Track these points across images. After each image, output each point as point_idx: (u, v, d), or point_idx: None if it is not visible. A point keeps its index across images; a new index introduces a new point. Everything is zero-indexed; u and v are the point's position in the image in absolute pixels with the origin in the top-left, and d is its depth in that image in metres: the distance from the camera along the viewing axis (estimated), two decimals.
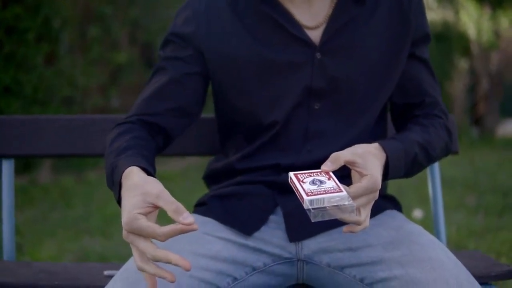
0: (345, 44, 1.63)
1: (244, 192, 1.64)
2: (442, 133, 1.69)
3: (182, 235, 1.54)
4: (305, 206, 1.29)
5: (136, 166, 1.36)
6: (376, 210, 1.62)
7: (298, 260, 1.59)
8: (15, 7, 6.37)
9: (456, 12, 12.51)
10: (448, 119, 1.75)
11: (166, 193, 1.24)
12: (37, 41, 6.69)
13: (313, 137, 1.65)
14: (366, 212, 1.40)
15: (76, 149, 2.05)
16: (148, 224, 1.22)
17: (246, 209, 1.62)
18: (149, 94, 1.67)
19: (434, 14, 11.98)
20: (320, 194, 1.29)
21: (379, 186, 1.40)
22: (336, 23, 1.62)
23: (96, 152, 2.04)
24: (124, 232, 1.25)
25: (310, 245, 1.58)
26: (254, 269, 1.56)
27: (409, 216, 4.51)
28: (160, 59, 1.71)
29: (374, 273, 1.48)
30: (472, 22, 12.41)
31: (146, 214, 1.25)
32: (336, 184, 1.33)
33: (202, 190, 1.76)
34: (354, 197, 1.36)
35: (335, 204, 1.29)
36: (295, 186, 1.33)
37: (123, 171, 1.35)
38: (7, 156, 2.03)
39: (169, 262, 1.21)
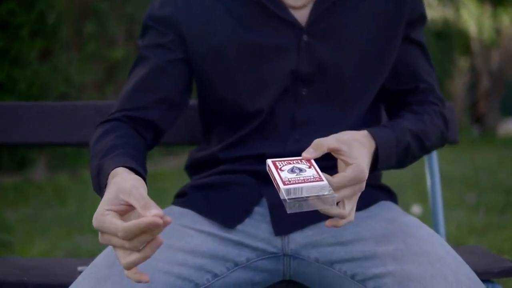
0: (334, 25, 1.53)
1: (227, 182, 1.54)
2: (438, 121, 1.59)
3: None
4: (281, 196, 1.19)
5: (123, 166, 1.25)
6: (369, 201, 1.53)
7: (284, 255, 1.48)
8: (9, 2, 6.29)
9: (457, 10, 12.45)
10: (445, 107, 1.65)
11: (138, 189, 1.12)
12: (32, 37, 6.61)
13: (300, 126, 1.55)
14: (351, 205, 1.30)
15: (55, 138, 1.94)
16: (111, 220, 1.09)
17: (228, 200, 1.52)
18: (132, 87, 1.55)
19: (434, 11, 11.92)
20: (299, 183, 1.19)
21: (366, 177, 1.29)
22: (324, 2, 1.52)
23: (76, 140, 1.93)
24: (99, 234, 1.13)
25: (297, 239, 1.48)
26: (236, 264, 1.45)
27: (407, 212, 4.43)
28: (140, 49, 1.59)
29: (366, 269, 1.37)
30: (473, 19, 12.35)
31: (120, 213, 1.13)
32: (317, 172, 1.22)
33: None
34: (338, 188, 1.25)
35: (315, 194, 1.19)
36: (272, 174, 1.23)
37: (109, 173, 1.24)
38: None
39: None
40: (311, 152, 1.27)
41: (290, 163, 1.25)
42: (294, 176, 1.21)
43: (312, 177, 1.21)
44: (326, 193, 1.19)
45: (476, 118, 12.68)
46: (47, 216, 5.14)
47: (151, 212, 1.06)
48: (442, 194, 2.08)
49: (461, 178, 6.55)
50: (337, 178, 1.26)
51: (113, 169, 1.24)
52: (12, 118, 1.95)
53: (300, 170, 1.23)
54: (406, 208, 4.62)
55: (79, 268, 1.68)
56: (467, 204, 5.28)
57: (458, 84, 12.13)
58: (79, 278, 1.34)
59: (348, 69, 1.54)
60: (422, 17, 1.62)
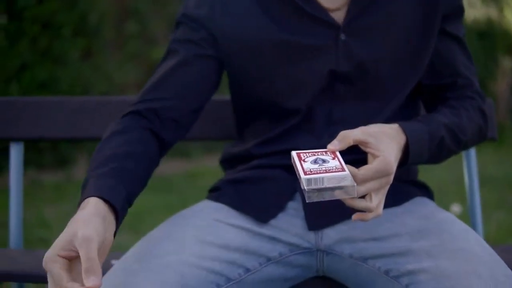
0: (371, 23, 1.51)
1: (261, 177, 1.52)
2: (475, 116, 1.56)
3: (191, 221, 1.44)
4: (301, 186, 1.18)
5: (98, 197, 1.22)
6: (404, 197, 1.51)
7: (317, 250, 1.46)
8: (51, 2, 6.35)
9: (500, 10, 12.29)
10: (485, 102, 1.61)
11: (90, 245, 1.10)
12: (74, 37, 6.66)
13: (337, 123, 1.53)
14: (378, 198, 1.27)
15: (89, 132, 1.95)
16: (58, 272, 1.11)
17: (262, 194, 1.50)
18: (158, 78, 1.54)
19: (477, 11, 11.78)
20: (320, 173, 1.18)
21: (393, 169, 1.27)
22: (360, 2, 1.50)
23: None
24: (48, 274, 1.14)
25: (331, 234, 1.46)
26: (269, 259, 1.43)
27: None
28: (171, 42, 1.59)
29: (400, 265, 1.35)
30: None
31: (70, 258, 1.14)
32: (340, 163, 1.21)
33: None
34: (363, 180, 1.24)
35: (335, 184, 1.18)
36: (296, 165, 1.23)
37: (83, 200, 1.22)
38: (16, 139, 1.93)
39: None
40: (335, 144, 1.27)
41: (314, 155, 1.25)
42: (316, 166, 1.20)
43: (334, 167, 1.20)
44: (347, 183, 1.18)
45: None
46: None
47: (89, 282, 1.07)
48: (483, 195, 2.05)
49: (504, 178, 6.45)
50: (363, 170, 1.24)
51: (87, 197, 1.22)
52: (50, 113, 1.96)
53: (323, 161, 1.22)
54: (446, 208, 4.55)
55: (112, 262, 1.68)
56: (509, 205, 5.20)
57: (502, 85, 11.97)
58: (110, 271, 1.34)
59: (386, 66, 1.52)
60: (459, 9, 1.57)
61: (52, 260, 1.12)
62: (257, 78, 1.54)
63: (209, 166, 7.41)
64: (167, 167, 6.35)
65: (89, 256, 1.09)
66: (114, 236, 1.23)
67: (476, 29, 11.52)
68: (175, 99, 1.52)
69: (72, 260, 1.14)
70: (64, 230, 1.15)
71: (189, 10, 1.56)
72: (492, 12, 12.20)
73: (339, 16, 1.50)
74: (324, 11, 1.49)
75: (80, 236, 1.11)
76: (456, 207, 4.68)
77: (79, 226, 1.14)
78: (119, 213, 1.24)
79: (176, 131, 1.53)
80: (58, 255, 1.12)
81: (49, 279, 1.13)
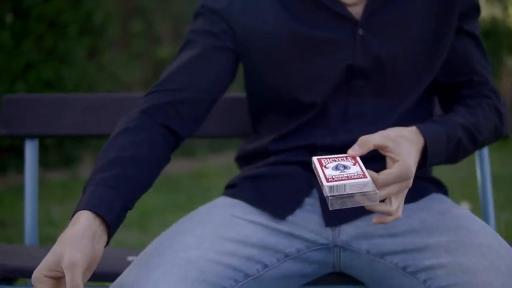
0: (389, 19, 1.51)
1: (278, 173, 1.53)
2: (491, 114, 1.56)
3: (209, 217, 1.45)
4: (324, 193, 1.19)
5: (91, 211, 1.23)
6: (420, 193, 1.51)
7: (334, 247, 1.47)
8: (57, 1, 6.35)
9: (505, 9, 12.28)
10: (500, 100, 1.61)
11: (76, 269, 1.13)
12: (80, 35, 6.66)
13: (353, 119, 1.53)
14: (398, 202, 1.29)
15: (103, 130, 1.94)
16: None
17: (279, 191, 1.51)
18: (176, 68, 1.54)
19: (482, 11, 11.76)
20: (342, 180, 1.19)
21: (412, 174, 1.28)
22: None
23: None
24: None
25: (348, 230, 1.46)
26: (286, 255, 1.44)
27: None
28: (189, 33, 1.59)
29: (418, 261, 1.36)
30: None
31: (57, 278, 1.17)
32: (361, 169, 1.22)
33: None
34: (383, 185, 1.25)
35: (357, 191, 1.19)
36: (317, 171, 1.24)
37: (78, 211, 1.23)
38: (31, 136, 1.94)
39: None
40: (356, 149, 1.28)
41: (335, 161, 1.25)
42: (338, 173, 1.21)
43: (355, 174, 1.21)
44: (369, 190, 1.20)
45: None
46: None
47: None
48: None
49: (510, 177, 6.46)
50: (383, 175, 1.25)
51: (81, 209, 1.23)
52: (56, 111, 1.96)
53: (345, 167, 1.23)
54: None
55: (129, 258, 1.69)
56: None
57: (506, 84, 11.97)
58: (130, 266, 1.35)
59: (402, 63, 1.52)
60: (475, 8, 1.59)
61: (39, 280, 1.16)
62: (273, 71, 1.55)
63: (214, 166, 7.41)
64: (173, 166, 6.35)
65: (74, 283, 1.13)
66: (108, 242, 1.25)
67: (481, 28, 11.51)
68: (193, 91, 1.52)
69: (59, 279, 1.17)
70: (52, 249, 1.17)
71: (209, 2, 1.57)
72: (497, 11, 12.20)
73: (356, 11, 1.51)
74: (342, 5, 1.50)
75: (67, 260, 1.14)
76: (464, 205, 4.68)
77: (67, 247, 1.16)
78: (111, 226, 1.25)
79: (191, 124, 1.53)
80: (45, 275, 1.16)
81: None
